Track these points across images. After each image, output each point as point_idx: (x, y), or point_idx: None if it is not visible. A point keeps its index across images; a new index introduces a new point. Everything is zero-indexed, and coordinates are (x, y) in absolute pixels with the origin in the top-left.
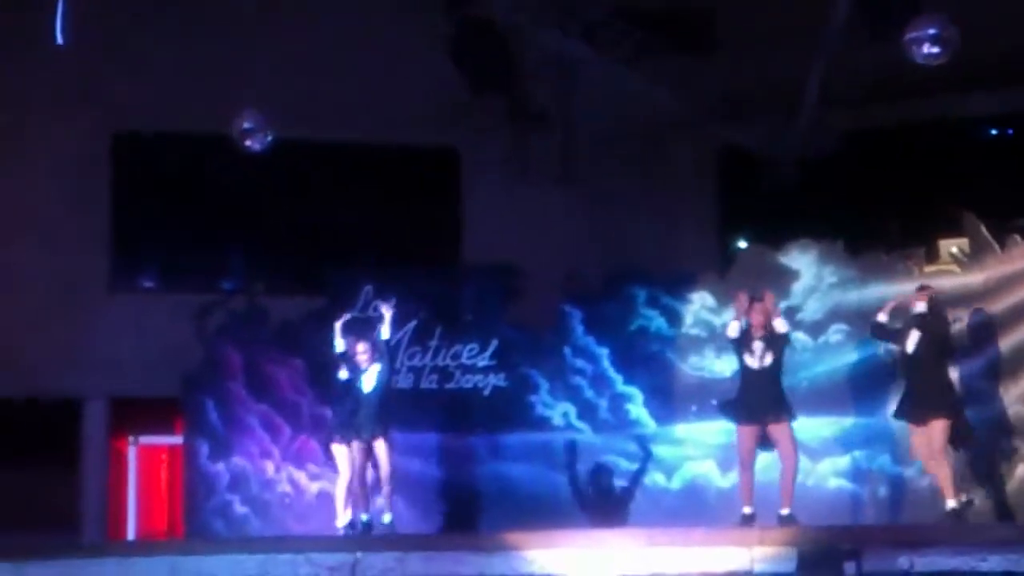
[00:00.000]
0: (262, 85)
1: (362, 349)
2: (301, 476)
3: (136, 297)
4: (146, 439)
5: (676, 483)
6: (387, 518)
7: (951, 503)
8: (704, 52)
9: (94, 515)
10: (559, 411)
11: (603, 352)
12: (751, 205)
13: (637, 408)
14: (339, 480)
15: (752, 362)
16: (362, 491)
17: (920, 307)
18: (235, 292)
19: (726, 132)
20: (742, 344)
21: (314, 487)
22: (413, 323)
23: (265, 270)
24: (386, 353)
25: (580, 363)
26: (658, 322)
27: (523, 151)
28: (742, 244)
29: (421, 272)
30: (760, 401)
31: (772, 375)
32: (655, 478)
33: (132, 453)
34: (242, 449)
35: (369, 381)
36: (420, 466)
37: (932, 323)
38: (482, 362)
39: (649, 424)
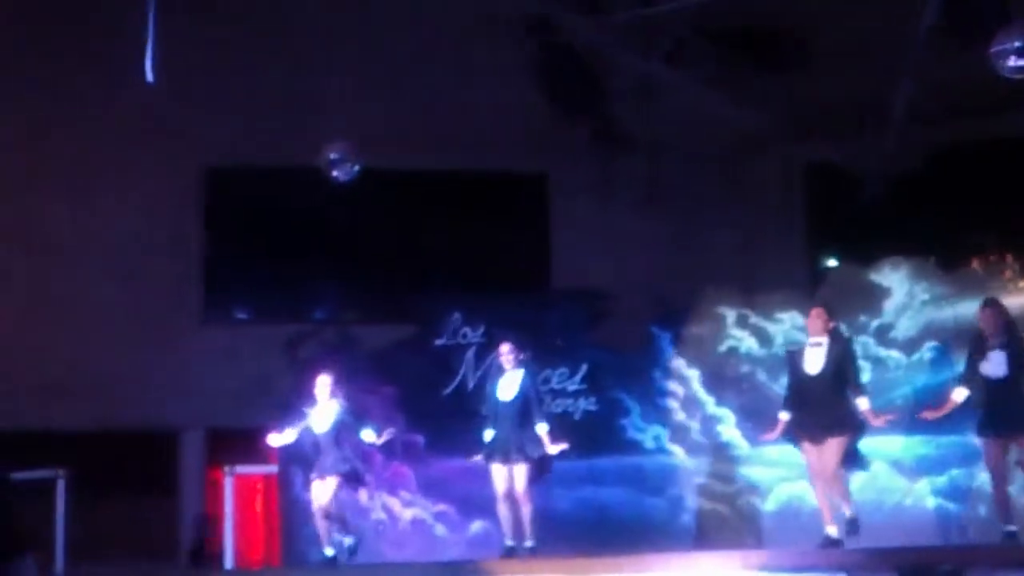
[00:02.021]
0: (348, 114)
1: (323, 383)
2: (395, 503)
3: (228, 329)
4: (241, 468)
5: (770, 505)
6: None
7: (848, 513)
8: (788, 69)
9: (195, 541)
10: (650, 434)
11: (693, 374)
12: (839, 222)
13: (729, 430)
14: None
15: (991, 370)
16: (324, 523)
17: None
18: (325, 322)
19: (812, 149)
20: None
21: (407, 514)
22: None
23: (355, 299)
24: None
25: (670, 386)
26: (748, 343)
27: (609, 174)
28: (832, 262)
29: (510, 298)
30: (1007, 413)
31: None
32: (749, 500)
33: (228, 483)
34: None
35: (322, 422)
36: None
37: (833, 345)
38: (572, 386)
39: (742, 446)
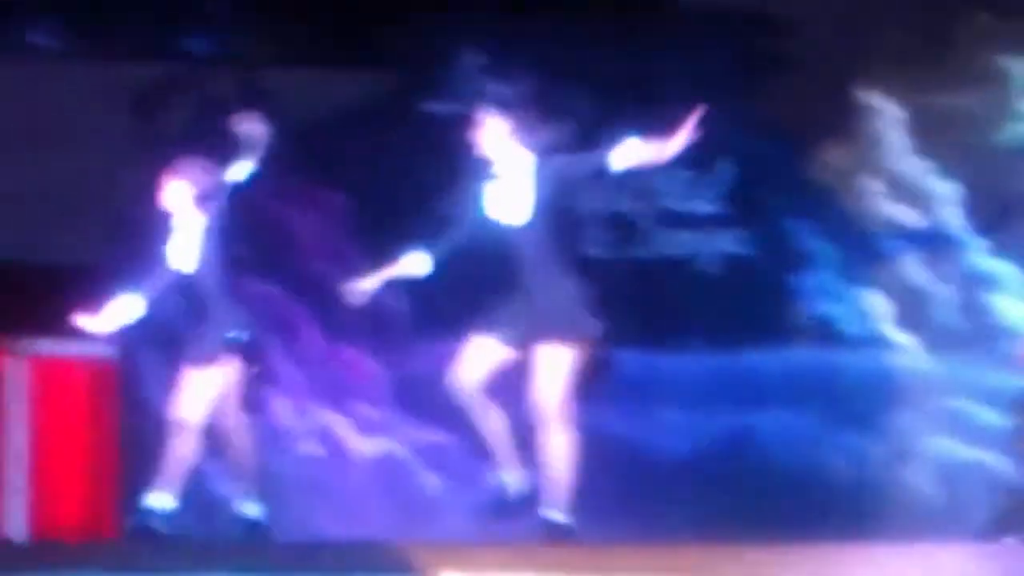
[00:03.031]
0: None
1: (182, 183)
2: (345, 427)
3: (14, 67)
4: (46, 346)
5: None
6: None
7: None
8: None
9: None
10: (855, 307)
11: (948, 185)
12: None
13: (1019, 302)
14: None
15: None
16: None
17: None
18: (213, 62)
19: None
20: None
21: (369, 447)
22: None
23: (272, 20)
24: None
25: (904, 207)
26: None
27: None
28: None
29: (580, 21)
30: None
31: None
32: None
33: (19, 373)
34: None
35: (183, 251)
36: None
37: None
38: (703, 205)
39: None
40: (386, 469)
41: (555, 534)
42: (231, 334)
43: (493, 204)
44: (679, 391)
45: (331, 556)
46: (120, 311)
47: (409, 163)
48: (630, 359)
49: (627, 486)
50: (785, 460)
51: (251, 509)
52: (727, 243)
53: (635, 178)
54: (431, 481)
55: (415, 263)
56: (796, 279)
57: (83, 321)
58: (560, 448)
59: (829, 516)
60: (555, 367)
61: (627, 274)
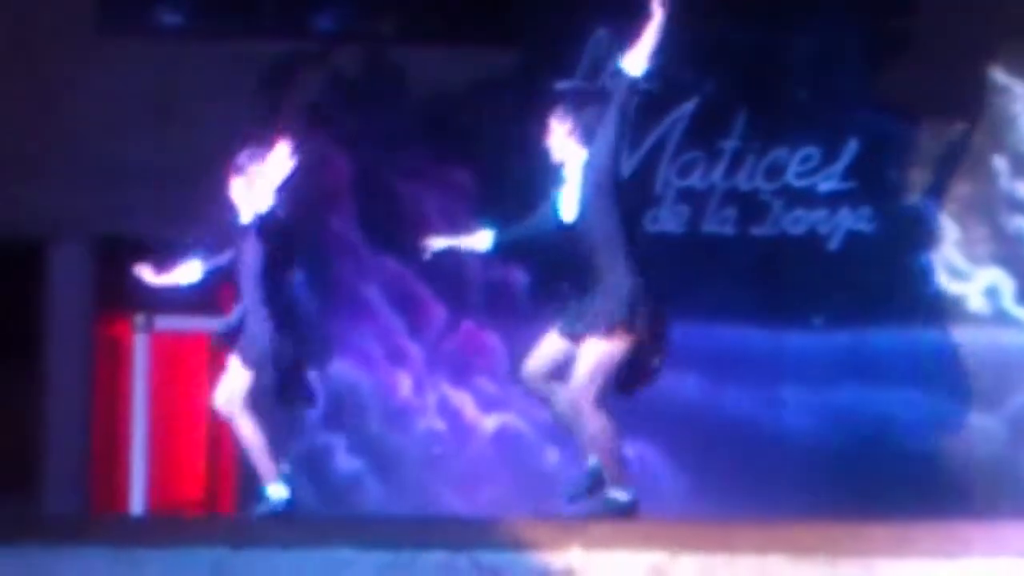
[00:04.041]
0: None
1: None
2: (465, 401)
3: (145, 45)
4: (167, 320)
5: None
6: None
7: None
8: None
9: (69, 465)
10: (980, 283)
11: None
12: None
13: None
14: None
15: None
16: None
17: None
18: (339, 38)
19: None
20: None
21: (489, 423)
22: (689, 106)
23: None
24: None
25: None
26: None
27: None
28: None
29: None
30: None
31: None
32: None
33: (140, 345)
34: (350, 346)
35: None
36: (698, 389)
37: None
38: (827, 183)
39: None
40: (506, 443)
41: (620, 512)
42: (221, 325)
43: (564, 204)
44: (803, 369)
45: (449, 531)
46: (179, 275)
47: (536, 141)
48: (754, 337)
49: (750, 463)
50: (909, 438)
51: (276, 491)
52: (852, 221)
53: (761, 155)
54: (552, 457)
55: (480, 239)
56: (921, 257)
57: (143, 273)
58: (595, 432)
59: (953, 494)
60: (587, 357)
61: (752, 252)
